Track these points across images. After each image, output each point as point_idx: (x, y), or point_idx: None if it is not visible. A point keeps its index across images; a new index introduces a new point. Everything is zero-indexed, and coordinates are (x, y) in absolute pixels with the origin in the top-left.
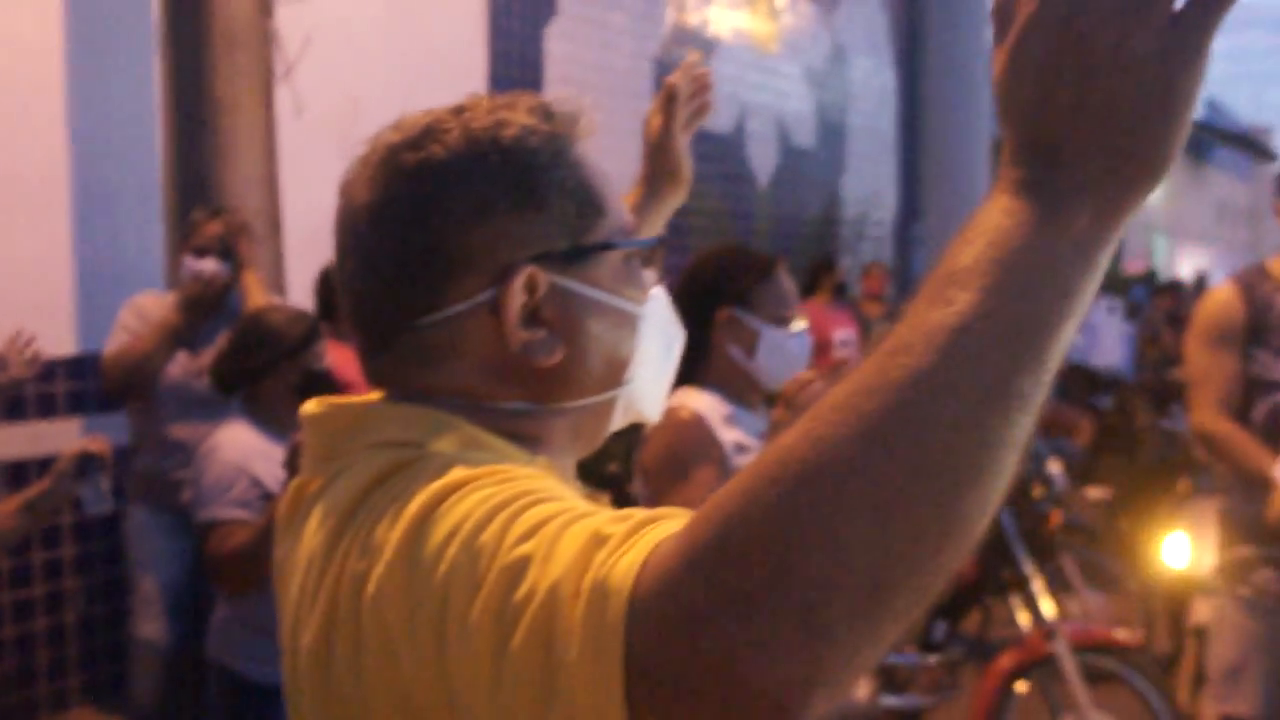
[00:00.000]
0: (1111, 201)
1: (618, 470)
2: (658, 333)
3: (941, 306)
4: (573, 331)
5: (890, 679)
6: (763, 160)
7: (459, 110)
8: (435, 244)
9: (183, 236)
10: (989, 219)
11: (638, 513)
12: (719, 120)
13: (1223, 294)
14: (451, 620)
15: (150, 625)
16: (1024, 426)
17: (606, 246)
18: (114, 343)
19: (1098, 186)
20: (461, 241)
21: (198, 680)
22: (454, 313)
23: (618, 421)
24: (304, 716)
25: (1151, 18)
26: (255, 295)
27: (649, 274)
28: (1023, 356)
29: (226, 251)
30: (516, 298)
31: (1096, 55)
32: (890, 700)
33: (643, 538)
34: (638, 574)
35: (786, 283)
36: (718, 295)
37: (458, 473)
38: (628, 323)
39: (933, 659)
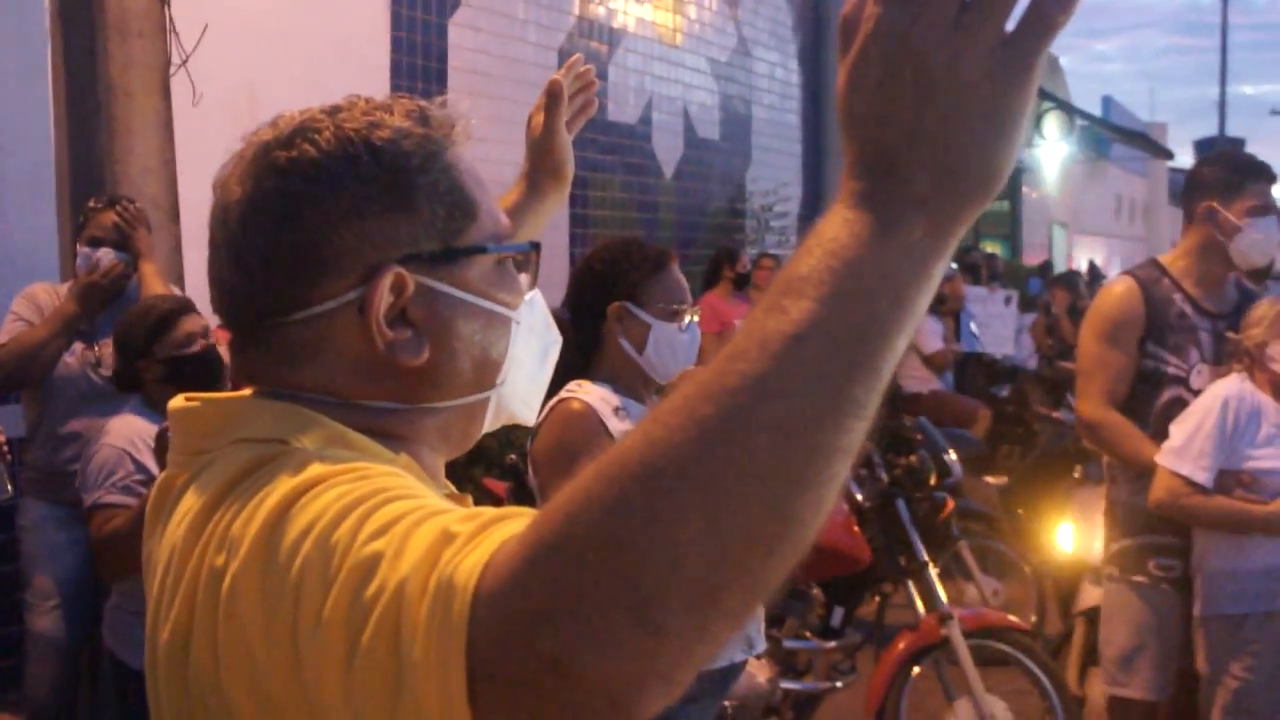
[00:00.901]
0: (945, 215)
1: (517, 460)
2: (532, 336)
3: (777, 314)
4: (440, 333)
5: (790, 664)
6: (668, 151)
7: (334, 110)
8: (304, 242)
9: (78, 226)
10: (828, 229)
11: (488, 511)
12: (624, 111)
13: (1121, 289)
14: (304, 617)
15: (46, 619)
16: (857, 432)
17: (477, 250)
18: (5, 333)
19: (932, 201)
20: (331, 240)
21: (95, 674)
22: (322, 310)
23: (490, 423)
24: (163, 712)
25: (982, 39)
26: (153, 285)
27: (524, 278)
28: (856, 364)
29: (123, 241)
30: (383, 298)
31: (930, 73)
32: (790, 684)
33: (489, 536)
34: (482, 572)
35: (678, 277)
36: (609, 289)
37: (315, 469)
38: (499, 326)
39: (831, 644)
